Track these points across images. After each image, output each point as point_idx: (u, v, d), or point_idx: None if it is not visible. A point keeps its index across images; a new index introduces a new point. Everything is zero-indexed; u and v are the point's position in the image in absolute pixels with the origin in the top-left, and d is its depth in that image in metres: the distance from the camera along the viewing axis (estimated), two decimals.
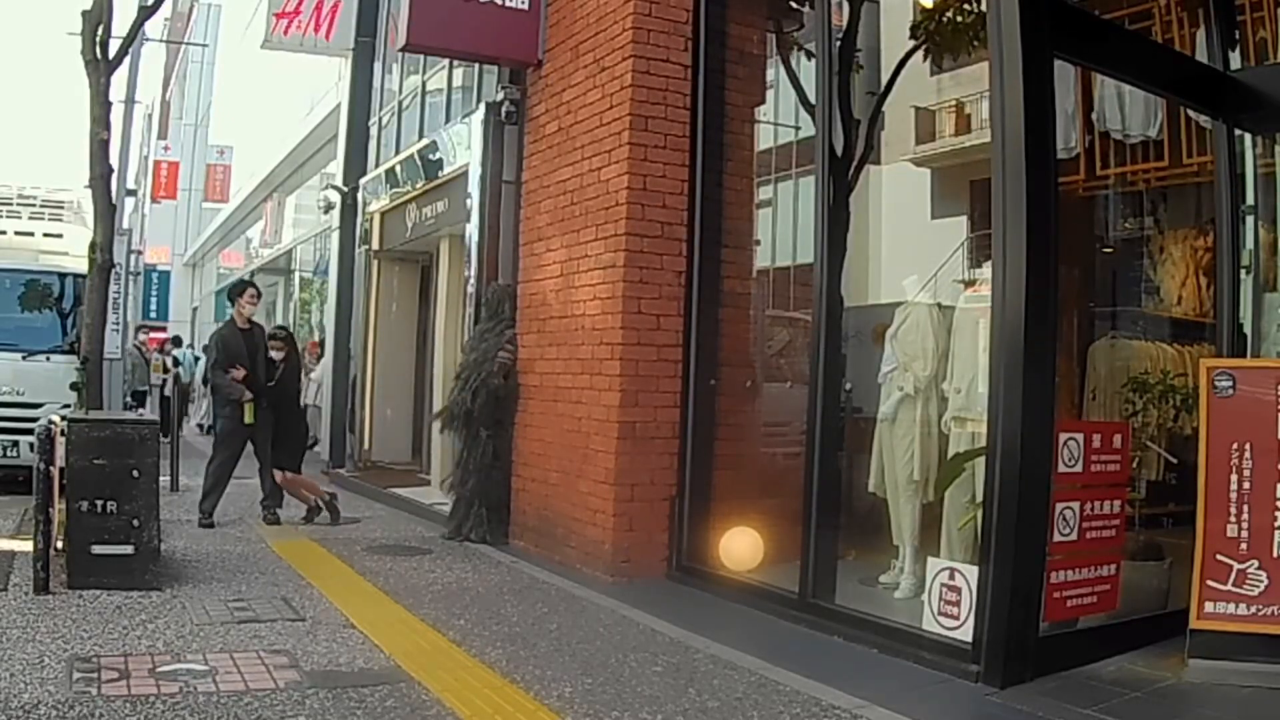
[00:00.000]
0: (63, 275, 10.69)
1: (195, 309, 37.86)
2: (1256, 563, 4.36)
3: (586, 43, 6.98)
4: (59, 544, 5.71)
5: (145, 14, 9.55)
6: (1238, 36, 5.56)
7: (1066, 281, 5.52)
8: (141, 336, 17.54)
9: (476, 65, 9.57)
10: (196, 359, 19.31)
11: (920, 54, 6.54)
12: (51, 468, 5.58)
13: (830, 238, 5.54)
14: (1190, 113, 6.19)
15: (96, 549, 5.51)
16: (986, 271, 5.22)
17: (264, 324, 9.19)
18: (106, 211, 8.06)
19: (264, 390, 8.04)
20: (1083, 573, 4.57)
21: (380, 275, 12.30)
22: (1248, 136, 5.52)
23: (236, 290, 8.51)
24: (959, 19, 6.14)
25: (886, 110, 6.90)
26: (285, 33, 13.16)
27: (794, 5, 7.25)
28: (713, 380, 6.60)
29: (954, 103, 8.78)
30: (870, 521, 6.00)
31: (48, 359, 9.70)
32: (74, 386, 8.72)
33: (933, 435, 5.66)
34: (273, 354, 8.27)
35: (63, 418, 5.94)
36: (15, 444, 9.30)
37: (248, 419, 7.95)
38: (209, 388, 8.92)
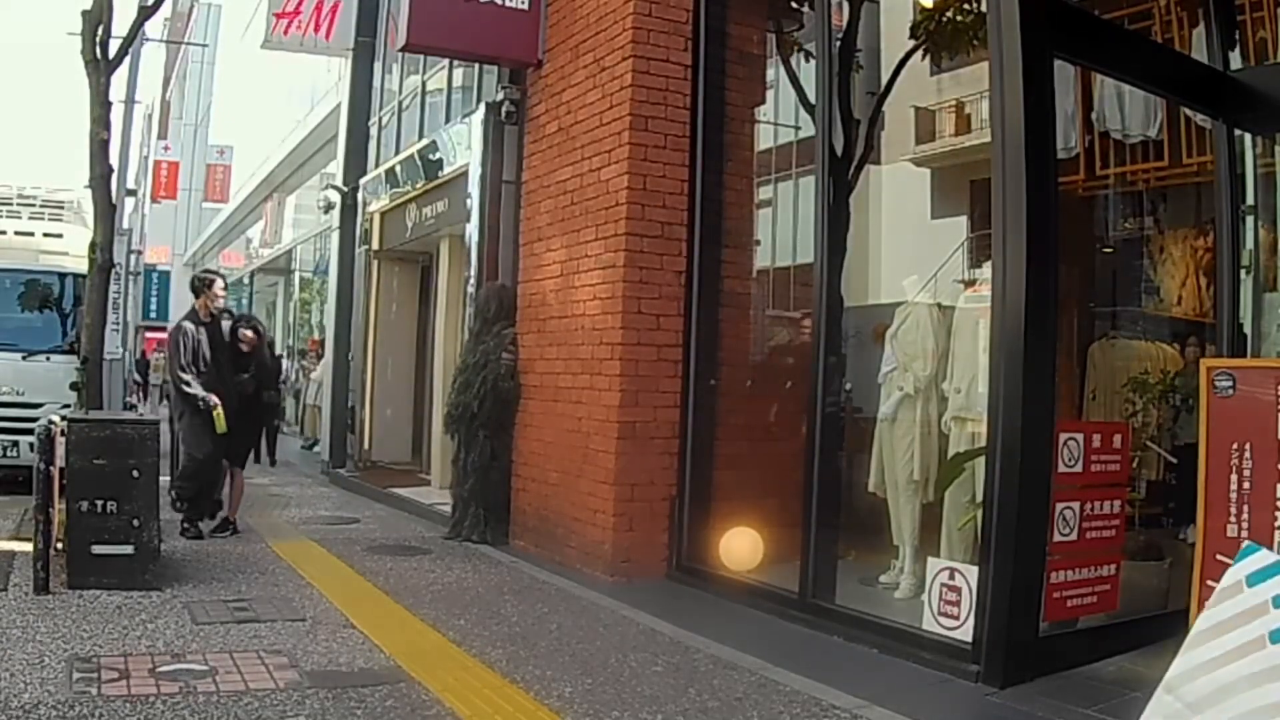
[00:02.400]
0: (63, 275, 10.69)
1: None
2: None
3: (586, 43, 6.98)
4: (59, 544, 5.71)
5: (145, 14, 9.58)
6: (1238, 36, 5.56)
7: (1066, 281, 5.52)
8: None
9: (476, 65, 9.57)
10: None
11: (920, 54, 6.54)
12: (51, 468, 5.58)
13: (830, 238, 5.54)
14: (1190, 113, 6.19)
15: (96, 549, 5.51)
16: (986, 271, 5.22)
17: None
18: (106, 211, 8.10)
19: (233, 392, 7.40)
20: (1083, 573, 4.56)
21: (380, 275, 12.30)
22: (1248, 136, 5.52)
23: (205, 281, 7.63)
24: (959, 19, 6.15)
25: (886, 110, 6.90)
26: (285, 33, 13.17)
27: (794, 5, 7.25)
28: (713, 380, 6.60)
29: (954, 103, 8.78)
30: (870, 521, 5.99)
31: (48, 359, 9.70)
32: (74, 386, 8.73)
33: (933, 435, 5.66)
34: (242, 344, 7.70)
35: (63, 418, 5.94)
36: (15, 444, 9.30)
37: (219, 428, 7.15)
38: (171, 388, 8.01)
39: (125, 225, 17.59)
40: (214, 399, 7.13)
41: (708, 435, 6.54)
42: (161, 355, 17.85)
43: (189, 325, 7.36)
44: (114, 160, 9.56)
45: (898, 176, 8.55)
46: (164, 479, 7.24)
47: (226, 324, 7.75)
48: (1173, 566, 5.15)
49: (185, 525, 7.33)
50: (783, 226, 9.51)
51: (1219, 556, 4.41)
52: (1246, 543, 1.64)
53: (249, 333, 7.79)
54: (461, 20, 7.63)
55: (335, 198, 13.41)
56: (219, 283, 7.76)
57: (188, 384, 7.14)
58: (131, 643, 4.57)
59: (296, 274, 23.24)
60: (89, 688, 3.89)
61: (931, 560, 4.89)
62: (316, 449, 13.95)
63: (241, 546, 7.09)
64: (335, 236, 13.49)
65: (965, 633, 4.45)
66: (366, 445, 12.16)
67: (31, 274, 10.89)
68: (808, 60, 6.71)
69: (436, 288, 11.28)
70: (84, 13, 8.00)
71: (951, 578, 4.59)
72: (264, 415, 8.30)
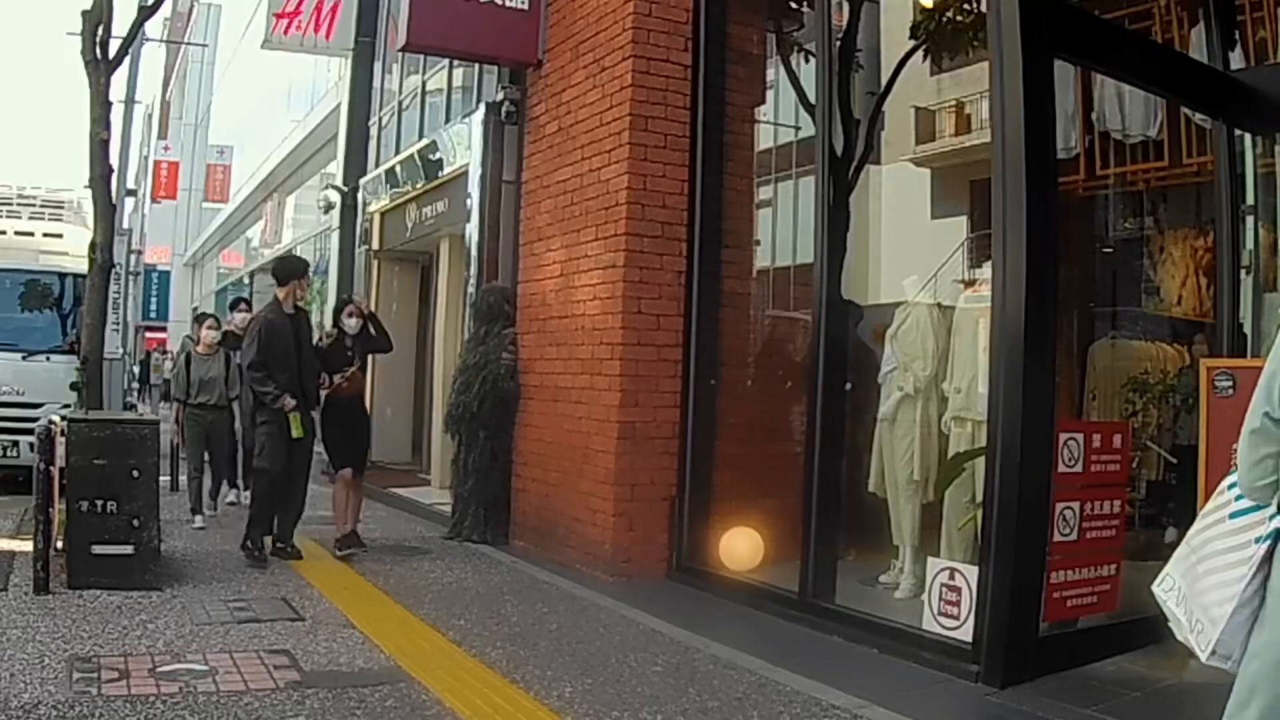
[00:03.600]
0: (63, 275, 10.70)
1: (195, 309, 37.91)
2: None
3: (586, 43, 6.98)
4: (59, 544, 5.71)
5: (145, 14, 9.57)
6: (1238, 36, 5.56)
7: (1066, 281, 5.52)
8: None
9: (476, 65, 9.58)
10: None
11: (920, 54, 6.54)
12: (51, 468, 5.58)
13: (830, 238, 5.54)
14: (1190, 113, 6.19)
15: (96, 549, 5.51)
16: (986, 271, 5.22)
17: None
18: (106, 211, 8.08)
19: (314, 393, 6.78)
20: (1083, 573, 4.56)
21: (380, 275, 12.30)
22: (1248, 136, 5.52)
23: (297, 269, 6.98)
24: (959, 19, 6.15)
25: (886, 110, 6.90)
26: (285, 33, 13.19)
27: (794, 5, 7.25)
28: (713, 380, 6.60)
29: (954, 103, 8.78)
30: (870, 521, 5.99)
31: (48, 359, 9.70)
32: (74, 386, 8.72)
33: (933, 435, 5.66)
34: (350, 324, 7.05)
35: (63, 418, 5.94)
36: (15, 444, 9.30)
37: (296, 433, 6.55)
38: (245, 388, 7.50)
39: (125, 225, 17.62)
40: (290, 400, 6.49)
41: (708, 435, 6.54)
42: (161, 355, 17.81)
43: (268, 317, 6.67)
44: (114, 160, 9.55)
45: (898, 176, 8.54)
46: (164, 479, 7.26)
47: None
48: None
49: (248, 543, 6.58)
50: (783, 226, 9.51)
51: None
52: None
53: (352, 320, 7.12)
54: (461, 20, 7.63)
55: (335, 198, 13.41)
56: (308, 277, 7.11)
57: (260, 381, 6.51)
58: (131, 643, 4.57)
59: None
60: (89, 688, 3.89)
61: (931, 560, 4.89)
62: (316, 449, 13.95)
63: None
64: (335, 236, 13.50)
65: (965, 633, 4.44)
66: None
67: (31, 274, 10.90)
68: (808, 60, 6.71)
69: (436, 288, 11.28)
70: (84, 13, 7.99)
71: (951, 578, 4.59)
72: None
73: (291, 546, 6.71)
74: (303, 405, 6.61)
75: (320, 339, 7.12)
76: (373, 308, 11.59)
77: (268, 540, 6.66)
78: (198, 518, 7.86)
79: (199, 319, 9.42)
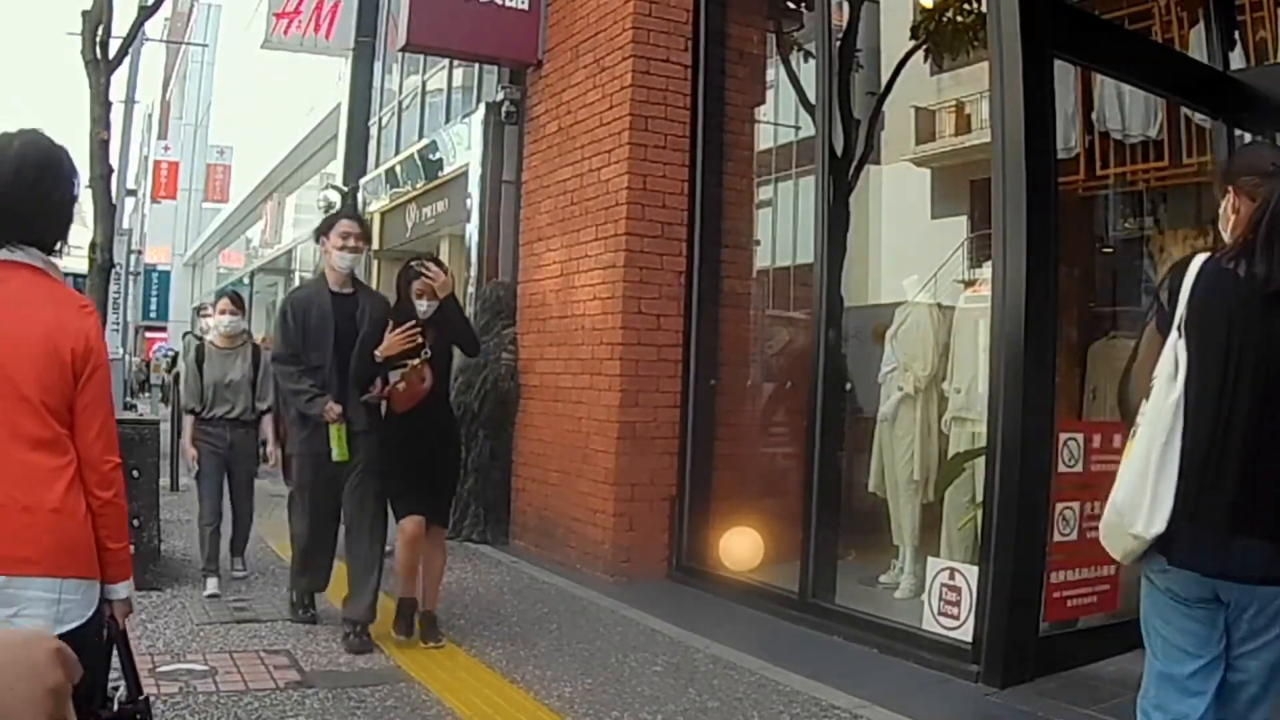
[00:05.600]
0: (63, 275, 10.70)
1: (195, 308, 37.91)
2: None
3: (586, 43, 6.98)
4: None
5: (145, 14, 9.58)
6: (1238, 36, 5.55)
7: (1066, 281, 5.52)
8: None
9: (476, 65, 9.58)
10: None
11: (920, 54, 6.54)
12: None
13: (830, 238, 5.54)
14: (1190, 113, 6.19)
15: None
16: (986, 271, 5.22)
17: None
18: (106, 211, 8.09)
19: (359, 394, 4.76)
20: (1083, 573, 4.56)
21: (380, 275, 12.30)
22: (1247, 136, 5.51)
23: (325, 222, 5.13)
24: (959, 19, 6.15)
25: (886, 110, 6.92)
26: (285, 33, 13.20)
27: (794, 5, 7.26)
28: (713, 380, 6.61)
29: (954, 103, 8.80)
30: (870, 521, 6.00)
31: None
32: None
33: (933, 435, 5.67)
34: (420, 305, 4.76)
35: None
36: None
37: (337, 454, 4.69)
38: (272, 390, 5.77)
39: (125, 225, 17.62)
40: (334, 406, 4.66)
41: (708, 435, 6.54)
42: (162, 355, 17.79)
43: (295, 294, 5.14)
44: (114, 160, 9.56)
45: (898, 176, 8.57)
46: (164, 479, 7.24)
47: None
48: None
49: (299, 606, 5.08)
50: (783, 226, 9.53)
51: None
52: None
53: (422, 302, 4.76)
54: (461, 20, 7.63)
55: (335, 198, 13.40)
56: (342, 225, 4.91)
57: (291, 377, 4.76)
58: (131, 642, 4.56)
59: (297, 274, 23.26)
60: None
61: (931, 560, 4.89)
62: None
63: None
64: None
65: (965, 633, 4.44)
66: None
67: None
68: (808, 60, 6.72)
69: None
70: (84, 13, 8.01)
71: (951, 578, 4.59)
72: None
73: (312, 605, 5.16)
74: (349, 413, 4.72)
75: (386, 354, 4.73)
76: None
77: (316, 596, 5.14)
78: (211, 581, 5.71)
79: (204, 309, 8.25)
